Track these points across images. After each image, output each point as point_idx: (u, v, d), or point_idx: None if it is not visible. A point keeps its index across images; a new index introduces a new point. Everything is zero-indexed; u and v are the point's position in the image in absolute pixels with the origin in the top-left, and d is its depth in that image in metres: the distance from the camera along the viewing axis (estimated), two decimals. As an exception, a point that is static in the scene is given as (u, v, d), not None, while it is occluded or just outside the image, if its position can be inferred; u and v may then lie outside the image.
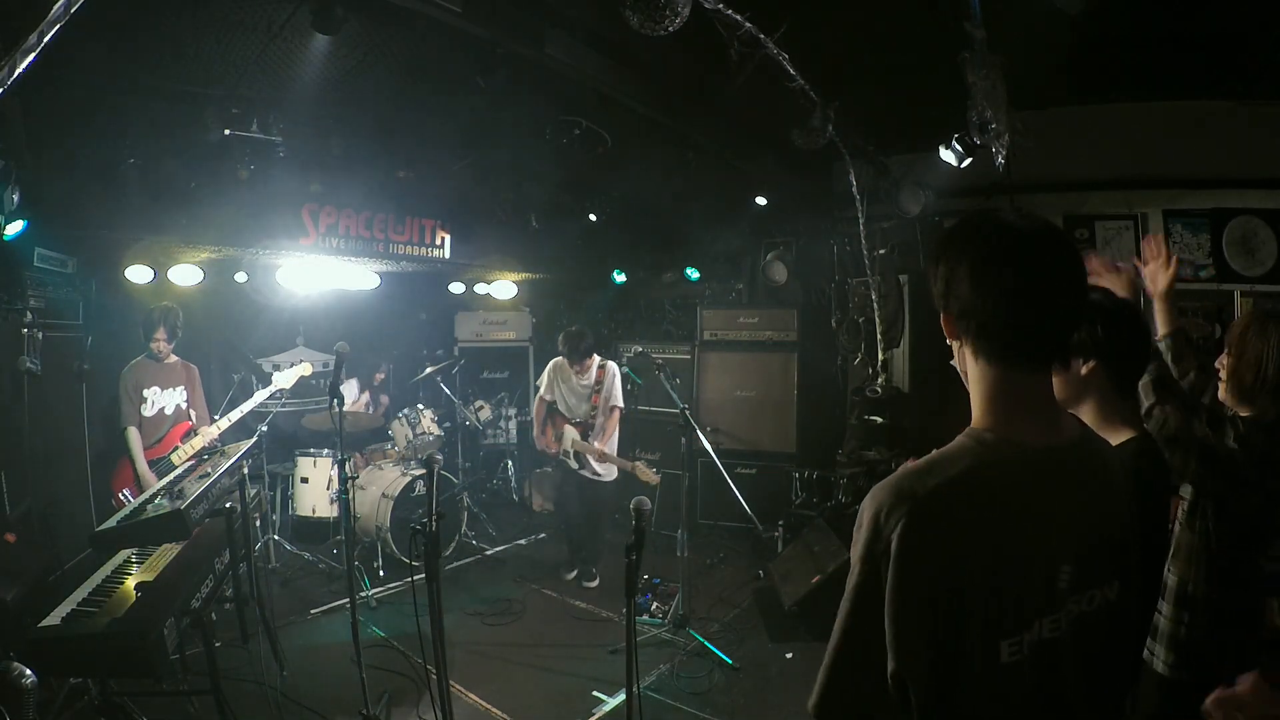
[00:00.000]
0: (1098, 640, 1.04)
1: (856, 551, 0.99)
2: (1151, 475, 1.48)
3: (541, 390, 4.90)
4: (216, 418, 4.24)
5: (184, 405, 4.14)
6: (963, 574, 0.93)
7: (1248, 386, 1.91)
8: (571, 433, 4.70)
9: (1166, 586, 1.90)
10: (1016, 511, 0.97)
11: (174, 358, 4.14)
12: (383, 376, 6.07)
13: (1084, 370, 1.52)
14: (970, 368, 1.06)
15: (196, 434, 4.12)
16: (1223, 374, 1.98)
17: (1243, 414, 1.91)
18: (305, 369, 4.55)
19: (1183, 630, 1.86)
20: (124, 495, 3.80)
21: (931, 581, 0.93)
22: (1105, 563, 1.04)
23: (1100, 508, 1.05)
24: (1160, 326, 2.06)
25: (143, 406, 3.95)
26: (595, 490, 4.70)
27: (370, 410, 6.11)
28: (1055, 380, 1.40)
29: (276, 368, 6.07)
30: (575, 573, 4.84)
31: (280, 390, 4.46)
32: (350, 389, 5.95)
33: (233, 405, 4.38)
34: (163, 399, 4.04)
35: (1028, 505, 0.98)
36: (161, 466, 3.94)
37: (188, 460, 3.88)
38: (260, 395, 4.30)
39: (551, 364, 4.90)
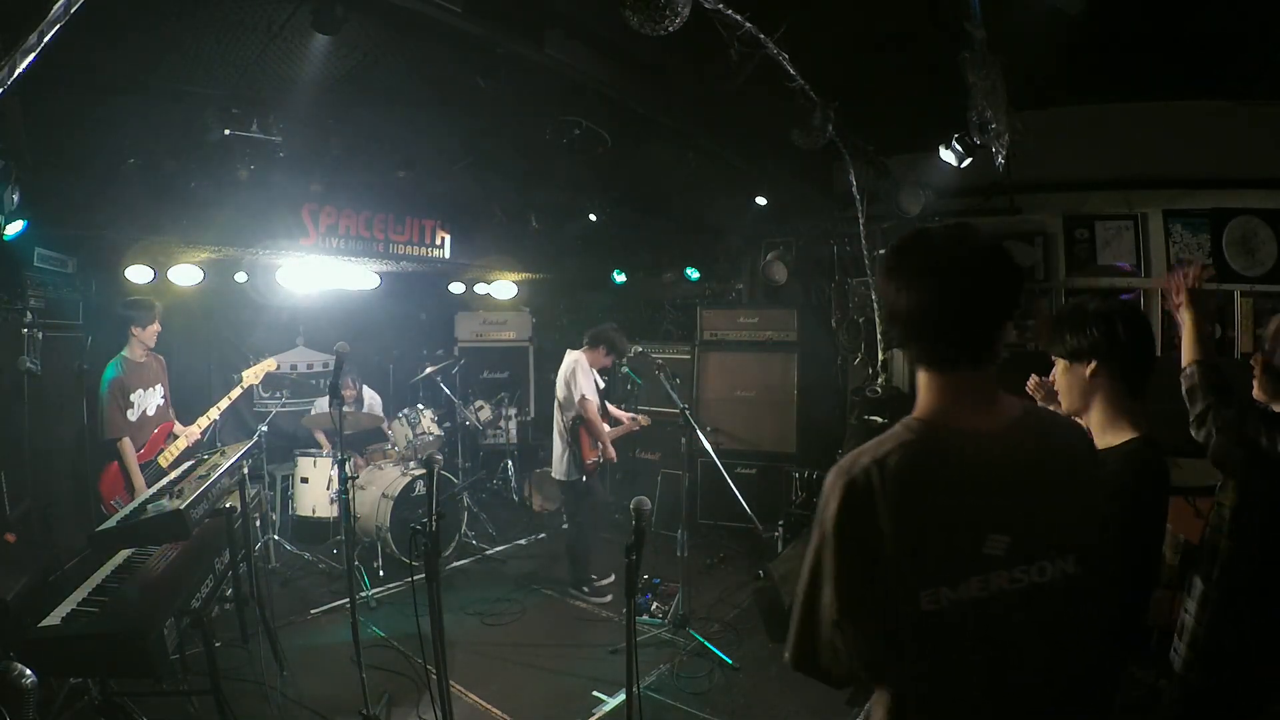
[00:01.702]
0: (1053, 610, 1.12)
1: (816, 521, 1.17)
2: (1140, 474, 1.50)
3: (590, 395, 4.53)
4: (216, 418, 4.25)
5: (163, 403, 4.13)
6: (886, 535, 1.08)
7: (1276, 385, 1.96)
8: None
9: (1204, 593, 1.92)
10: (936, 484, 1.10)
11: (148, 353, 4.12)
12: (353, 393, 5.76)
13: (1087, 371, 1.60)
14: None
15: (178, 436, 4.12)
16: (1256, 370, 2.02)
17: (1276, 409, 1.95)
18: (270, 364, 4.52)
19: (1219, 636, 1.87)
20: (115, 504, 3.76)
21: (860, 541, 1.10)
22: (1053, 536, 1.12)
23: (1043, 483, 1.13)
24: (1185, 353, 2.02)
25: (129, 411, 3.91)
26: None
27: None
28: (1065, 382, 1.68)
29: (276, 368, 6.08)
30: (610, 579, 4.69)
31: (253, 387, 4.47)
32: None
33: (233, 407, 4.37)
34: (145, 400, 4.01)
35: (948, 479, 1.10)
36: (151, 471, 3.91)
37: (183, 464, 3.86)
38: (234, 392, 4.32)
39: (581, 363, 4.57)
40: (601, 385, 4.80)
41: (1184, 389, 1.97)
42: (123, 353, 3.98)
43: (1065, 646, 1.14)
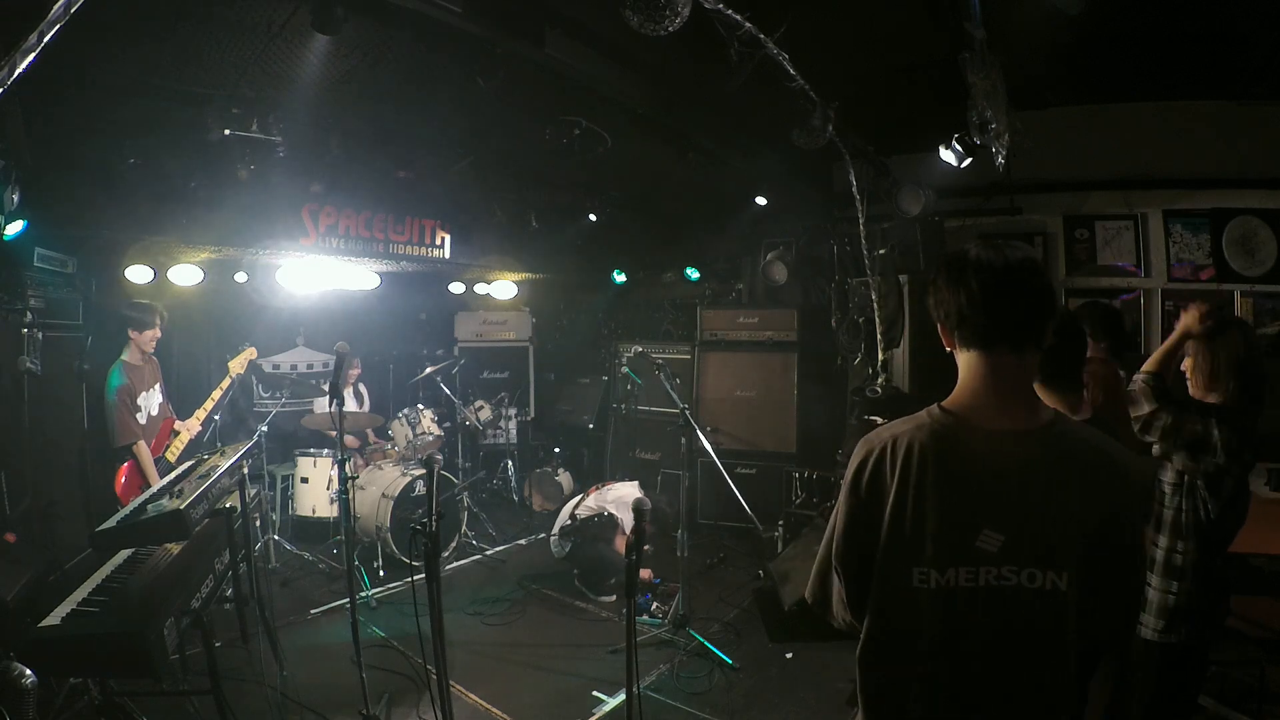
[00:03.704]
0: (1033, 617, 1.15)
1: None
2: None
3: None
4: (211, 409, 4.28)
5: (163, 400, 4.18)
6: (888, 505, 1.20)
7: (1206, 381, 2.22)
8: None
9: (1155, 561, 2.14)
10: (941, 472, 1.18)
11: (144, 357, 4.13)
12: (353, 378, 5.92)
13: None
14: (958, 358, 1.28)
15: (179, 431, 4.17)
16: (1189, 372, 2.27)
17: (1210, 400, 2.20)
18: (251, 353, 4.58)
19: (1171, 599, 2.09)
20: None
21: (864, 503, 1.23)
22: (1050, 548, 1.15)
23: (1049, 495, 1.15)
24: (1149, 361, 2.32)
25: (138, 415, 3.93)
26: None
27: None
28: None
29: (276, 367, 6.09)
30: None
31: (254, 387, 4.46)
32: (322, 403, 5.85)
33: (234, 406, 4.37)
34: (150, 402, 4.04)
35: (953, 470, 1.18)
36: (161, 467, 3.94)
37: (184, 463, 3.87)
38: (224, 382, 4.38)
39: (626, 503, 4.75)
40: None
41: (1131, 388, 2.24)
42: (122, 357, 3.97)
43: (1035, 656, 1.16)
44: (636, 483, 5.00)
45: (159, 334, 4.05)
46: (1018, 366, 1.21)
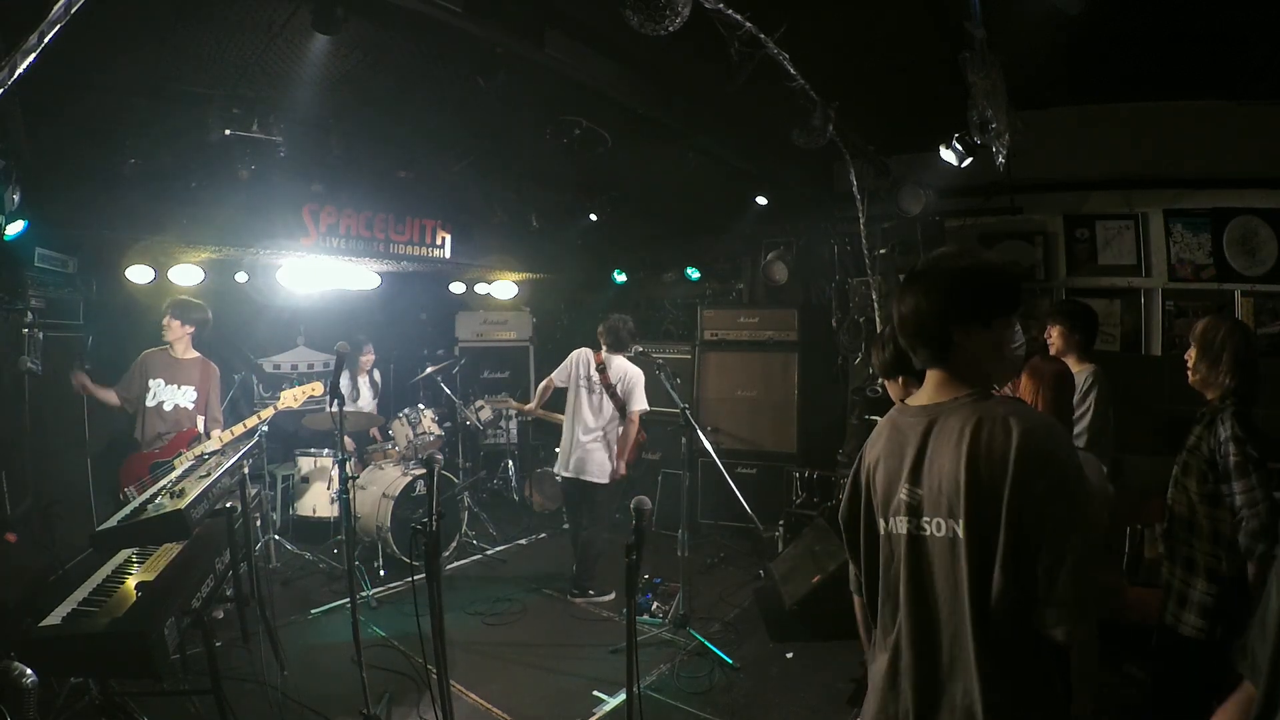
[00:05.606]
0: (939, 565, 1.37)
1: None
2: None
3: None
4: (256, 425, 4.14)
5: (189, 406, 4.01)
6: (867, 471, 1.55)
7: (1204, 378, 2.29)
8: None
9: (1196, 564, 2.21)
10: (885, 441, 1.51)
11: (193, 353, 4.06)
12: (368, 363, 5.87)
13: (900, 383, 2.02)
14: None
15: (205, 439, 3.99)
16: (1190, 365, 2.30)
17: (1209, 395, 2.27)
18: (315, 388, 4.34)
19: (1210, 600, 2.15)
20: (128, 492, 3.75)
21: (856, 471, 1.59)
22: (943, 500, 1.35)
23: (945, 454, 1.36)
24: None
25: (145, 395, 3.89)
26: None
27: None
28: (892, 394, 2.07)
29: (277, 367, 6.09)
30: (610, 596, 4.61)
31: (254, 387, 4.37)
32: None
33: (234, 406, 4.33)
34: (166, 393, 3.96)
35: (891, 436, 1.50)
36: (163, 472, 3.90)
37: (186, 464, 3.84)
38: (266, 414, 4.16)
39: (641, 376, 4.59)
40: None
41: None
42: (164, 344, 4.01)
43: (940, 598, 1.36)
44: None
45: (173, 329, 3.98)
46: (939, 371, 1.45)
